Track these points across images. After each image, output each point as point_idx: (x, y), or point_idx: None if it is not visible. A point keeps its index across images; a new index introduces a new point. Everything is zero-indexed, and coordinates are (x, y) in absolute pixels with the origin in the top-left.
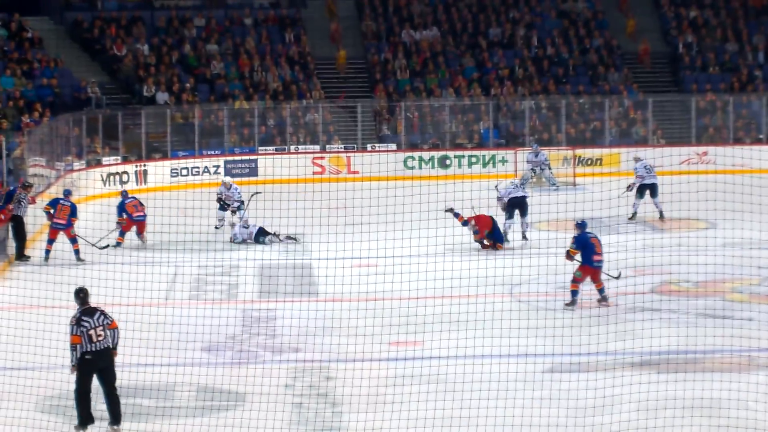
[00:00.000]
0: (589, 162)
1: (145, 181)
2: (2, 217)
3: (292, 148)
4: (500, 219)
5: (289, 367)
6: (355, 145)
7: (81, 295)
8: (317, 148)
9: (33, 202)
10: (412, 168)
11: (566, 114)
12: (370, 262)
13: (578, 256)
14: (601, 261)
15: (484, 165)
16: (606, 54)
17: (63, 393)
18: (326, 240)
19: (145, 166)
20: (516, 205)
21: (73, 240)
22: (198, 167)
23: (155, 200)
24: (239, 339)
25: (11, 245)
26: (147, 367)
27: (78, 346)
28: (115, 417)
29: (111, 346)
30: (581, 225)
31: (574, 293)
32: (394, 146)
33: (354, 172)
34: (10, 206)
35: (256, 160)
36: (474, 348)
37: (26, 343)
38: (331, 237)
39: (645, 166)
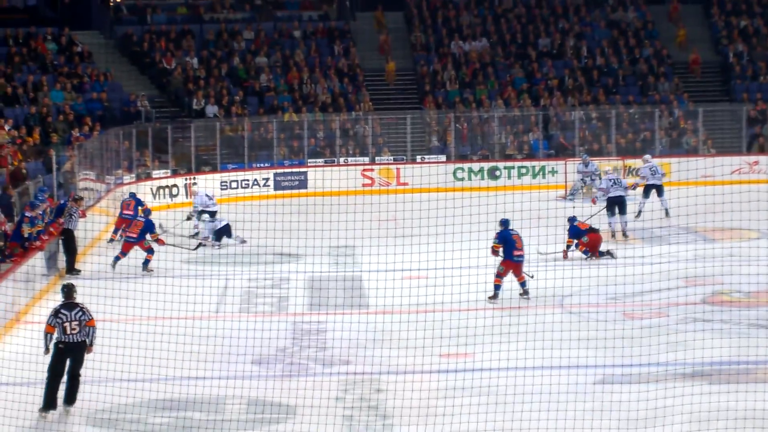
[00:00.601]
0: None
1: (195, 194)
2: (53, 230)
3: (342, 160)
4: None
5: (340, 380)
6: (405, 157)
7: (65, 289)
8: (366, 160)
9: (83, 215)
10: (462, 179)
11: (616, 124)
12: (420, 273)
13: (501, 251)
14: (521, 256)
15: (534, 176)
16: (656, 64)
17: (114, 406)
18: (376, 252)
19: (194, 179)
20: (616, 203)
21: (149, 251)
22: (248, 180)
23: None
24: (289, 352)
25: (62, 259)
26: (198, 380)
27: (50, 335)
28: (70, 398)
29: (86, 342)
30: (504, 223)
31: (497, 287)
32: (443, 158)
33: (403, 184)
34: (61, 220)
35: (306, 172)
36: (525, 360)
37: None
38: (381, 249)
39: (650, 168)
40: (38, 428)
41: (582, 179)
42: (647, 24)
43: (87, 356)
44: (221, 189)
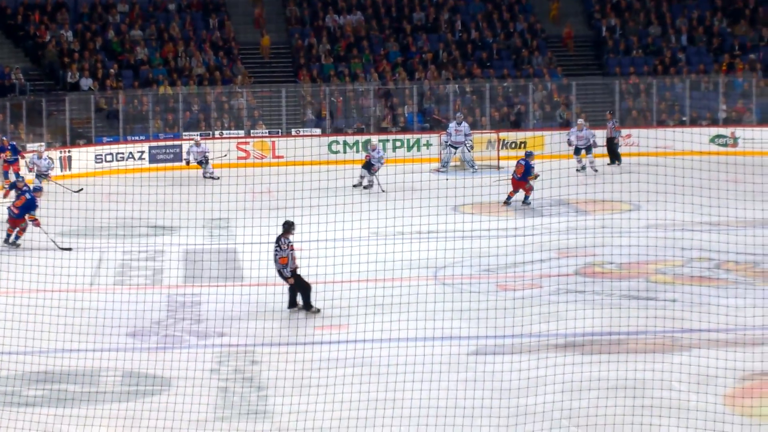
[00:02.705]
0: (514, 145)
1: (70, 167)
2: None
3: (217, 133)
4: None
5: (215, 352)
6: (280, 130)
7: None
8: (242, 133)
9: None
10: (337, 152)
11: (490, 97)
12: (295, 246)
13: None
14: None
15: (409, 149)
16: (530, 38)
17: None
18: (251, 225)
19: (69, 152)
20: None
21: (23, 227)
22: (123, 153)
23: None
24: (164, 324)
25: None
26: (72, 353)
27: None
28: None
29: None
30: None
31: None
32: (318, 131)
33: (278, 157)
34: None
35: (181, 145)
36: (399, 331)
37: None
38: (255, 222)
39: (577, 134)
40: None
41: (449, 145)
42: None
43: None
44: (96, 162)
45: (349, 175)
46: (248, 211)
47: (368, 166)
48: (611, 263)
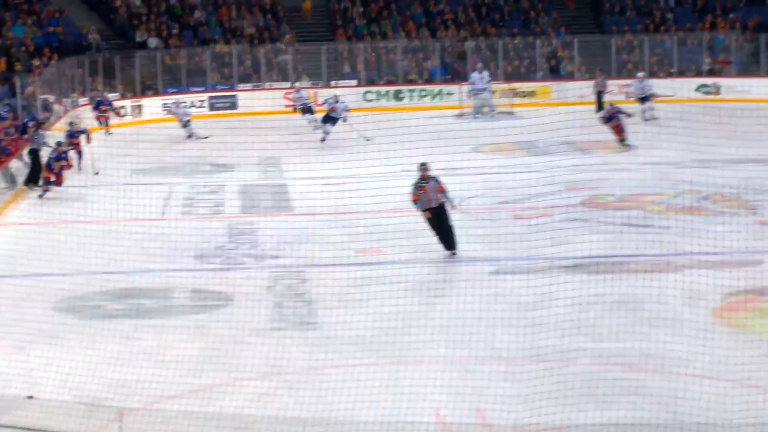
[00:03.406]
0: (524, 94)
1: (140, 114)
2: (13, 149)
3: (267, 85)
4: None
5: (270, 272)
6: (321, 82)
7: None
8: (288, 84)
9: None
10: (371, 100)
11: (503, 53)
12: (337, 181)
13: None
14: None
15: (433, 98)
16: (537, 0)
17: (78, 295)
18: (299, 163)
19: (139, 101)
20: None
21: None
22: (185, 102)
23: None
24: (226, 248)
25: (22, 175)
26: (148, 273)
27: None
28: None
29: None
30: None
31: None
32: (354, 82)
33: (320, 105)
34: (25, 136)
35: (236, 95)
36: (429, 253)
37: (44, 253)
38: (303, 160)
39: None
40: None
41: (475, 94)
42: None
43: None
44: (163, 110)
45: (384, 118)
46: (296, 152)
47: (328, 119)
48: (612, 195)
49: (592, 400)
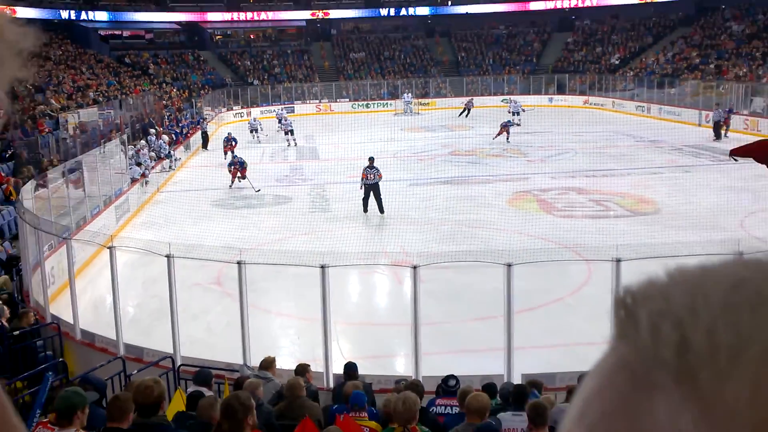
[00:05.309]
0: (425, 104)
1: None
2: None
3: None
4: None
5: (311, 189)
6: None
7: None
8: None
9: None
10: (356, 108)
11: (416, 86)
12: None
13: None
14: None
15: (384, 106)
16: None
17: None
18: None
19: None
20: None
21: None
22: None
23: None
24: (287, 174)
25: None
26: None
27: None
28: None
29: None
30: None
31: None
32: (347, 99)
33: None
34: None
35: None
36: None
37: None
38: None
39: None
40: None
41: (406, 104)
42: None
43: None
44: (274, 114)
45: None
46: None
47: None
48: (466, 149)
49: None
